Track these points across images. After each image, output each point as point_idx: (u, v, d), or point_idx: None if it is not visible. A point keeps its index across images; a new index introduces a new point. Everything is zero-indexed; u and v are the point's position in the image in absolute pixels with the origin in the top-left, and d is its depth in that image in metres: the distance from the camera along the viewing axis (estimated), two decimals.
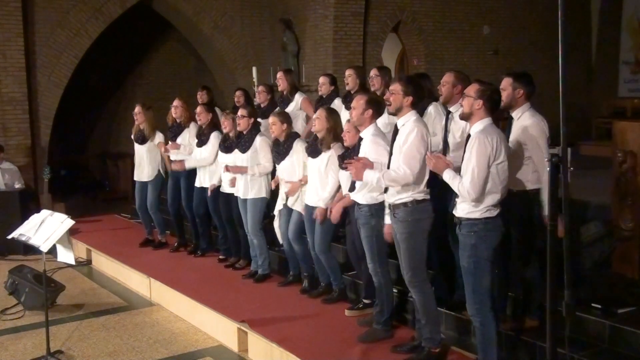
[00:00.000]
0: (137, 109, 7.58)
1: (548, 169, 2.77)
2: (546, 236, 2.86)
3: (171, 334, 5.67)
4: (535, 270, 4.43)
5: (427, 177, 4.20)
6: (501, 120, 4.45)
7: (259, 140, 6.15)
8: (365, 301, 5.31)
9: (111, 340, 5.51)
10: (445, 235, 4.66)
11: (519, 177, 4.31)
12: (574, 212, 5.36)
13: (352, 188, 4.75)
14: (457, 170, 3.93)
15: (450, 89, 4.74)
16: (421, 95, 4.36)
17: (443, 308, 4.92)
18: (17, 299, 6.32)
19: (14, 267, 6.68)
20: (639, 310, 4.42)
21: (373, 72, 5.76)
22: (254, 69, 10.46)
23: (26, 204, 8.57)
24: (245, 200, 6.24)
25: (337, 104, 6.39)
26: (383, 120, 4.97)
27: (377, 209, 4.63)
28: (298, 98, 6.92)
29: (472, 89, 3.86)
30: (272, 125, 5.80)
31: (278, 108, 6.91)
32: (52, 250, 5.19)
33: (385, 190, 4.32)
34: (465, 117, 3.91)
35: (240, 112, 6.23)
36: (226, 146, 6.48)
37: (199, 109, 6.98)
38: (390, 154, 4.29)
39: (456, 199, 3.94)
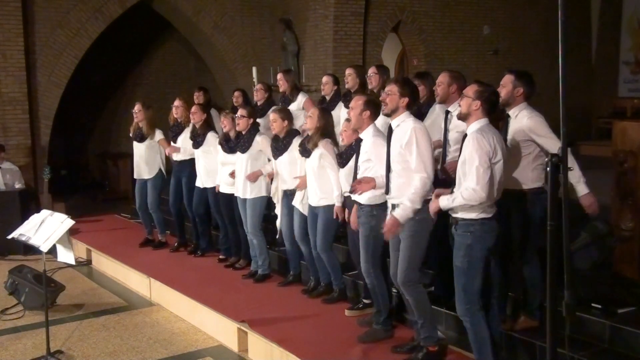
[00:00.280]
0: (137, 107, 7.59)
1: (548, 169, 2.77)
2: (546, 236, 2.86)
3: (171, 334, 5.67)
4: (536, 270, 4.43)
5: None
6: (501, 120, 4.44)
7: (259, 139, 6.15)
8: (365, 301, 5.31)
9: (111, 340, 5.51)
10: (446, 235, 4.66)
11: (517, 176, 4.31)
12: (574, 212, 5.36)
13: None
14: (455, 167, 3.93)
15: (446, 89, 4.76)
16: (417, 97, 4.39)
17: (443, 308, 4.92)
18: (17, 299, 6.32)
19: (14, 267, 6.68)
20: (639, 310, 4.42)
21: (371, 70, 5.77)
22: (254, 69, 10.46)
23: (26, 204, 8.57)
24: (244, 200, 6.24)
25: (341, 105, 6.36)
26: (383, 120, 4.96)
27: (379, 210, 4.63)
28: (301, 99, 6.92)
29: (471, 90, 3.86)
30: (273, 122, 5.81)
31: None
32: (52, 250, 5.19)
33: (387, 191, 4.32)
34: (463, 117, 3.92)
35: (240, 112, 6.24)
36: (230, 147, 6.47)
37: (193, 109, 7.01)
38: (388, 154, 4.29)
39: None
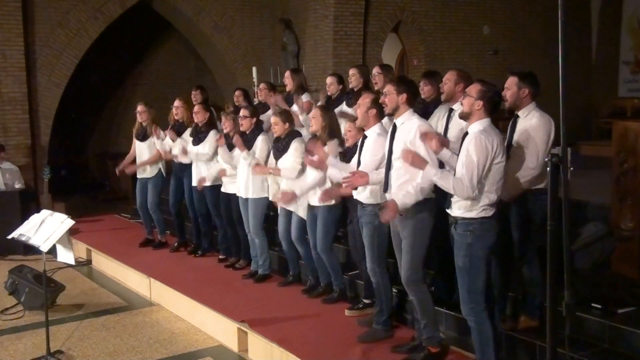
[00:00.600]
0: (141, 107, 7.59)
1: (548, 168, 2.78)
2: (546, 236, 2.86)
3: (171, 334, 5.66)
4: (536, 270, 4.43)
5: None
6: (501, 120, 4.45)
7: (260, 139, 6.14)
8: (365, 301, 5.31)
9: (111, 340, 5.51)
10: (446, 235, 4.65)
11: (519, 176, 4.31)
12: (574, 212, 5.37)
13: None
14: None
15: (452, 87, 4.75)
16: (416, 92, 4.38)
17: (443, 308, 4.92)
18: (17, 299, 6.32)
19: (14, 267, 6.68)
20: (639, 310, 4.42)
21: (375, 70, 5.76)
22: (254, 69, 10.46)
23: (26, 204, 8.57)
24: (246, 200, 6.24)
25: (345, 106, 6.36)
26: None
27: (381, 209, 4.62)
28: (304, 99, 6.90)
29: (474, 89, 3.85)
30: (274, 125, 5.81)
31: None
32: (52, 250, 5.19)
33: (385, 189, 4.31)
34: (465, 116, 3.91)
35: (242, 112, 6.23)
36: (227, 144, 6.47)
37: (196, 108, 7.01)
38: (390, 152, 4.29)
39: (451, 198, 3.94)
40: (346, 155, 5.10)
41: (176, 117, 7.34)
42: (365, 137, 4.67)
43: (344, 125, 5.32)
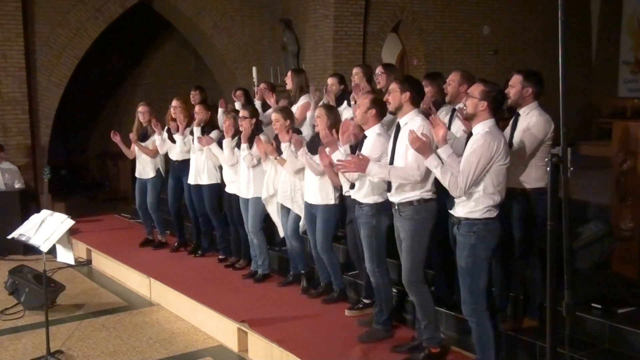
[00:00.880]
0: (144, 107, 7.58)
1: (548, 168, 2.78)
2: (546, 236, 2.86)
3: (171, 334, 5.67)
4: (536, 270, 4.43)
5: (433, 176, 4.18)
6: (501, 120, 4.44)
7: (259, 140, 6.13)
8: (365, 301, 5.31)
9: (111, 340, 5.51)
10: (446, 235, 4.66)
11: (520, 175, 4.31)
12: (574, 212, 5.37)
13: (352, 186, 4.75)
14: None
15: (457, 88, 4.74)
16: (420, 91, 4.35)
17: (443, 308, 4.92)
18: (17, 299, 6.32)
19: (14, 267, 6.68)
20: (639, 310, 4.42)
21: (378, 70, 5.72)
22: (254, 69, 10.45)
23: (26, 204, 8.58)
24: (246, 200, 6.24)
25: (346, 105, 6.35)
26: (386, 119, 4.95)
27: (379, 209, 4.62)
28: (302, 101, 6.89)
29: (477, 90, 3.84)
30: (275, 121, 5.79)
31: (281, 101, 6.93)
32: (52, 250, 5.19)
33: (389, 189, 4.31)
34: (469, 117, 3.89)
35: (242, 113, 6.23)
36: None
37: (197, 108, 7.00)
38: (393, 152, 4.29)
39: (455, 199, 3.94)
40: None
41: (174, 117, 7.34)
42: (364, 136, 4.66)
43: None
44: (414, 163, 4.11)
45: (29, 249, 7.25)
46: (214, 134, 6.83)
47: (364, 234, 4.73)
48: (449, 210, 4.01)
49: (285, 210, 5.94)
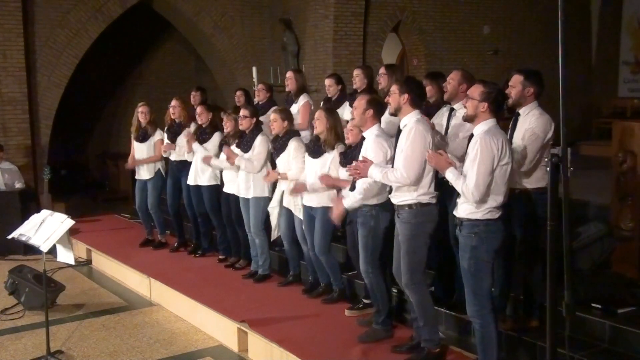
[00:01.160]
0: (145, 108, 7.56)
1: (548, 168, 2.78)
2: (547, 236, 2.86)
3: (171, 334, 5.67)
4: (536, 270, 4.42)
5: (431, 179, 4.17)
6: (502, 120, 4.44)
7: (259, 140, 6.14)
8: (365, 301, 5.31)
9: (111, 340, 5.51)
10: (446, 236, 4.66)
11: (521, 175, 4.30)
12: (574, 212, 5.37)
13: (352, 188, 4.75)
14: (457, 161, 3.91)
15: (456, 87, 4.73)
16: (420, 93, 4.32)
17: (443, 308, 4.92)
18: (17, 299, 6.32)
19: (14, 267, 6.68)
20: (639, 310, 4.42)
21: (381, 70, 5.71)
22: (254, 69, 10.46)
23: (26, 204, 8.57)
24: (247, 200, 6.24)
25: (347, 106, 6.35)
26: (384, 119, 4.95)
27: (378, 210, 4.62)
28: (302, 100, 6.90)
29: (476, 91, 3.82)
30: (273, 121, 5.80)
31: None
32: (52, 250, 5.19)
33: (390, 190, 4.31)
34: (470, 119, 3.88)
35: (242, 112, 6.23)
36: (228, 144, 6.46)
37: (199, 109, 6.98)
38: (394, 154, 4.29)
39: (457, 200, 3.93)
40: (347, 155, 5.09)
41: (173, 117, 7.33)
42: (363, 138, 4.66)
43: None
44: (402, 168, 4.10)
45: (29, 249, 7.25)
46: (216, 136, 6.81)
47: (361, 234, 4.73)
48: (453, 212, 4.00)
49: (284, 216, 5.93)
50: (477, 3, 12.19)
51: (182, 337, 5.57)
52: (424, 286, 4.35)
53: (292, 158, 5.69)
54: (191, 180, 7.05)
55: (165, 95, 11.67)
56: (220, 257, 7.10)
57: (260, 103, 7.16)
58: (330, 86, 6.53)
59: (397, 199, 4.25)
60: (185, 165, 7.24)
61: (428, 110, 4.98)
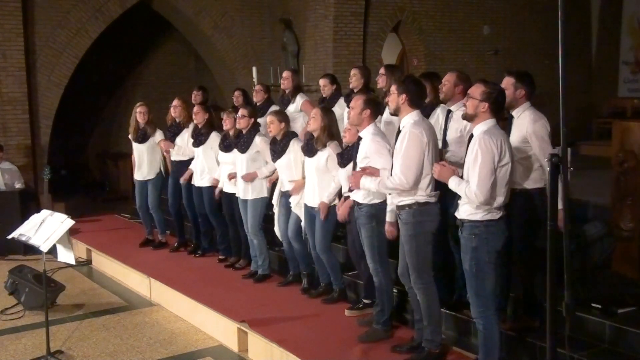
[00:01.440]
0: (144, 108, 7.54)
1: (548, 168, 2.78)
2: (546, 236, 2.86)
3: (171, 334, 5.67)
4: (536, 269, 4.42)
5: (429, 181, 4.16)
6: (502, 120, 4.44)
7: (258, 140, 6.15)
8: (365, 301, 5.31)
9: (111, 340, 5.51)
10: (445, 236, 4.66)
11: (519, 176, 4.30)
12: (574, 212, 5.37)
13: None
14: (457, 166, 3.90)
15: (452, 88, 4.73)
16: (419, 93, 4.29)
17: (443, 308, 4.91)
18: (17, 299, 6.32)
19: (14, 267, 6.69)
20: (639, 310, 4.42)
21: (380, 71, 5.70)
22: (254, 69, 10.46)
23: (26, 204, 8.57)
24: (245, 201, 6.24)
25: (341, 103, 6.38)
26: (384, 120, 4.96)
27: (378, 209, 4.62)
28: (299, 100, 6.91)
29: (477, 91, 3.80)
30: (270, 124, 5.81)
31: (274, 107, 6.93)
32: (52, 250, 5.19)
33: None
34: (469, 118, 3.87)
35: (241, 111, 6.24)
36: (225, 145, 6.48)
37: (196, 109, 6.99)
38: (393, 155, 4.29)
39: (459, 201, 3.92)
40: (344, 155, 5.10)
41: (174, 116, 7.33)
42: (360, 138, 4.65)
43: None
44: (400, 173, 4.08)
45: (29, 249, 7.25)
46: (214, 134, 6.81)
47: (364, 234, 4.73)
48: (455, 213, 3.99)
49: (283, 216, 5.93)
50: (477, 3, 12.19)
51: (182, 337, 5.57)
52: (433, 286, 4.34)
53: (298, 158, 5.67)
54: (193, 181, 7.05)
55: (165, 95, 11.69)
56: (220, 257, 7.10)
57: (258, 104, 7.17)
58: (324, 86, 6.56)
59: (396, 199, 4.25)
60: (185, 166, 7.24)
61: (422, 111, 4.97)
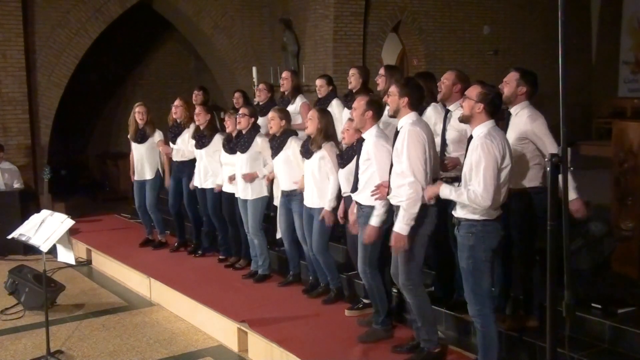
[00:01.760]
0: (143, 108, 7.53)
1: (548, 168, 2.78)
2: (546, 236, 2.86)
3: (171, 334, 5.67)
4: (536, 270, 4.42)
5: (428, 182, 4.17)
6: (501, 120, 4.44)
7: (259, 140, 6.14)
8: (365, 301, 5.30)
9: (111, 340, 5.51)
10: (445, 235, 4.66)
11: (516, 174, 4.30)
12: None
13: (354, 189, 4.74)
14: (457, 163, 3.89)
15: (450, 87, 4.73)
16: (419, 96, 4.30)
17: (443, 308, 4.92)
18: (17, 299, 6.33)
19: (14, 267, 6.69)
20: (639, 310, 4.42)
21: (380, 71, 5.70)
22: (254, 69, 10.46)
23: (26, 204, 8.58)
24: (245, 201, 6.24)
25: (334, 103, 6.39)
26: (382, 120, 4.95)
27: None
28: (299, 102, 6.90)
29: (474, 92, 3.81)
30: (270, 120, 5.80)
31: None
32: (52, 250, 5.19)
33: (388, 192, 4.31)
34: (465, 119, 3.87)
35: (242, 110, 6.24)
36: (230, 147, 6.46)
37: (197, 110, 6.96)
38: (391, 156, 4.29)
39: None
40: (343, 157, 5.09)
41: (175, 117, 7.32)
42: (362, 139, 4.65)
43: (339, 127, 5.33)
44: (415, 173, 4.04)
45: (29, 249, 7.26)
46: (217, 137, 6.80)
47: (361, 234, 4.72)
48: (451, 212, 4.00)
49: (283, 216, 5.94)
50: (477, 3, 12.20)
51: (182, 337, 5.57)
52: (421, 287, 4.33)
53: (297, 155, 5.66)
54: (196, 182, 7.05)
55: (165, 95, 11.71)
56: (220, 257, 7.10)
57: (261, 103, 7.16)
58: (321, 86, 6.58)
59: (395, 199, 4.25)
60: (186, 166, 7.24)
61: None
